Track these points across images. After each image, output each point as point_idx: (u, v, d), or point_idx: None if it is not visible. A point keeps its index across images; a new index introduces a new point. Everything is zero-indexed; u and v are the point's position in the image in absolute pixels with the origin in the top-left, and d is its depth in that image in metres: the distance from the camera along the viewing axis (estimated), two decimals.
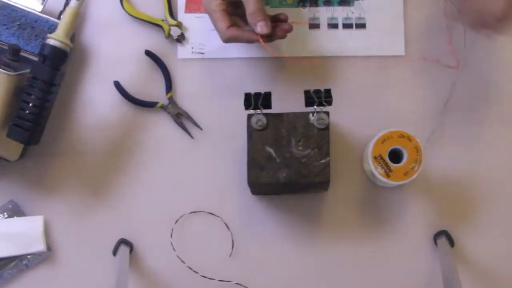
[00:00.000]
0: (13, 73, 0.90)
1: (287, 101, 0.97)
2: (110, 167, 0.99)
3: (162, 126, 0.99)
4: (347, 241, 0.98)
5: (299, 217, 0.98)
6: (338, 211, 0.98)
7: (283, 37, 0.93)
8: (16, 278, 0.97)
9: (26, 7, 0.96)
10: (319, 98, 0.89)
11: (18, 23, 0.95)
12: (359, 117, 0.99)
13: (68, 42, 0.91)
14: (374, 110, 0.99)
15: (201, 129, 0.99)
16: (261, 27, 0.90)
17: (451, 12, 0.99)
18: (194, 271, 0.97)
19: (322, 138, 0.89)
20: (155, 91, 1.00)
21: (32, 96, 0.88)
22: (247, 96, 0.89)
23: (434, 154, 0.98)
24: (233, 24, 0.91)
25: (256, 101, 0.89)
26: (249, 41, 0.92)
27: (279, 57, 0.99)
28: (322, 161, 0.89)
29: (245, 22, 0.92)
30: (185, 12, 1.00)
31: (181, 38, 1.00)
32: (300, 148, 0.89)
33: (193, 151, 0.99)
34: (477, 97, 0.99)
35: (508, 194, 0.98)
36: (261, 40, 0.91)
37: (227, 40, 0.93)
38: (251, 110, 0.90)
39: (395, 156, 0.92)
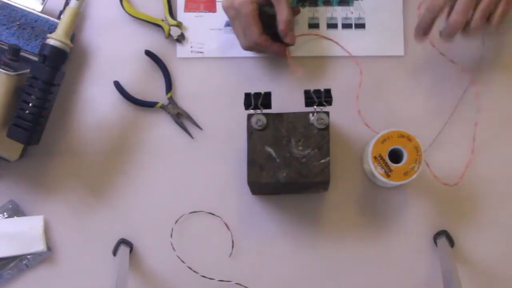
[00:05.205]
0: (13, 73, 0.90)
1: (287, 101, 0.97)
2: (110, 167, 0.99)
3: (162, 126, 0.99)
4: (347, 241, 0.98)
5: (299, 217, 0.98)
6: (338, 211, 0.98)
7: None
8: (16, 278, 0.97)
9: (26, 7, 0.96)
10: (319, 98, 0.89)
11: (18, 23, 0.95)
12: (359, 117, 0.99)
13: (68, 42, 0.91)
14: (374, 110, 0.99)
15: (201, 129, 0.99)
16: (291, 38, 0.92)
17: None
18: (194, 271, 0.97)
19: (322, 138, 0.89)
20: (155, 91, 1.00)
21: (32, 96, 0.88)
22: (247, 96, 0.89)
23: (434, 154, 0.98)
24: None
25: (256, 101, 0.89)
26: (275, 53, 0.93)
27: (278, 57, 0.99)
28: (322, 161, 0.89)
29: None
30: (185, 11, 1.00)
31: (181, 38, 0.99)
32: (300, 148, 0.89)
33: (193, 151, 0.99)
34: (477, 97, 0.99)
35: (508, 194, 0.98)
36: (288, 55, 0.92)
37: (252, 45, 0.93)
38: (251, 110, 0.89)
39: (395, 156, 0.92)
